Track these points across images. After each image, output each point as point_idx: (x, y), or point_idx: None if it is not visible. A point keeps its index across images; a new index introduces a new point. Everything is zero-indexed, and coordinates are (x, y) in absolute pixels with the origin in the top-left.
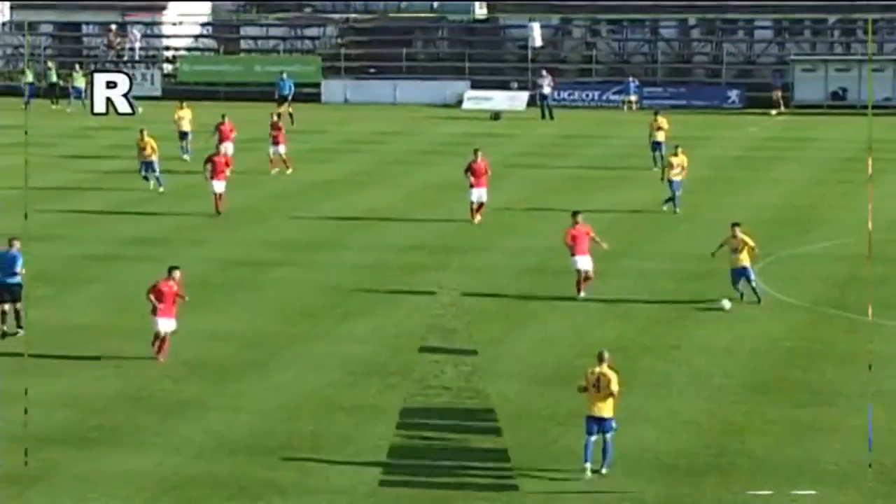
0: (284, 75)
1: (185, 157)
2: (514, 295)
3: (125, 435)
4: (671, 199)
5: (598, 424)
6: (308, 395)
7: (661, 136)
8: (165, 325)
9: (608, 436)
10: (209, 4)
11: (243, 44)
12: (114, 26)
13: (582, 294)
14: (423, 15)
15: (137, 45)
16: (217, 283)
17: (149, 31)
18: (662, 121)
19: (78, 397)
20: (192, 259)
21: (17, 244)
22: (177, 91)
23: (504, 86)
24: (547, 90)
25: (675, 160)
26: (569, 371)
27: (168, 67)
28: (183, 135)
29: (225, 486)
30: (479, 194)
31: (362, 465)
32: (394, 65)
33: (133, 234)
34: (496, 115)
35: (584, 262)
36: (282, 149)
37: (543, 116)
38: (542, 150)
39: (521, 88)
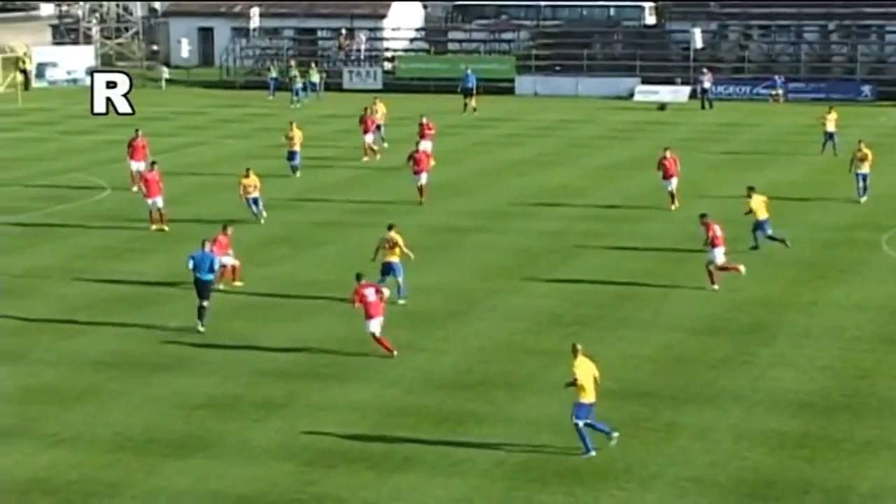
0: (469, 71)
1: (385, 145)
2: (675, 258)
3: (350, 371)
4: (862, 189)
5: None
6: (501, 341)
7: (831, 127)
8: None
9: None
10: (423, 13)
11: (450, 45)
12: (344, 31)
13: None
14: (601, 21)
15: (363, 46)
16: (426, 246)
17: (372, 35)
18: (833, 115)
19: (312, 339)
20: (406, 225)
21: (209, 245)
22: (395, 85)
23: (669, 81)
24: (707, 85)
25: (861, 153)
26: (721, 324)
27: (388, 65)
28: (378, 127)
29: (432, 416)
30: (671, 184)
31: (547, 399)
32: (576, 63)
33: (355, 206)
34: (662, 106)
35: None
36: (369, 137)
37: (703, 107)
38: (701, 136)
39: (683, 83)
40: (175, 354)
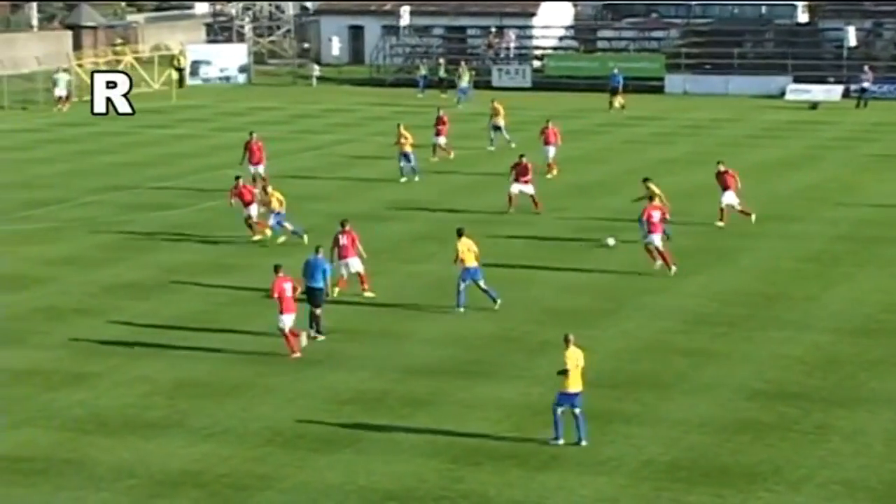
0: (615, 70)
1: (490, 148)
2: (827, 258)
3: (497, 369)
4: None
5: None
6: (649, 340)
7: None
8: None
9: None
10: (572, 11)
11: (599, 44)
12: (493, 29)
13: None
14: (752, 19)
15: (512, 45)
16: (574, 245)
17: (521, 34)
18: None
19: (459, 337)
20: (553, 223)
21: (321, 252)
22: (544, 84)
23: (821, 80)
24: (867, 84)
25: None
26: (874, 325)
27: (537, 63)
28: (496, 128)
29: None
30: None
31: (695, 399)
32: (726, 62)
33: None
34: (814, 105)
35: None
36: (442, 140)
37: (857, 106)
38: (855, 136)
39: (836, 82)
40: (324, 350)
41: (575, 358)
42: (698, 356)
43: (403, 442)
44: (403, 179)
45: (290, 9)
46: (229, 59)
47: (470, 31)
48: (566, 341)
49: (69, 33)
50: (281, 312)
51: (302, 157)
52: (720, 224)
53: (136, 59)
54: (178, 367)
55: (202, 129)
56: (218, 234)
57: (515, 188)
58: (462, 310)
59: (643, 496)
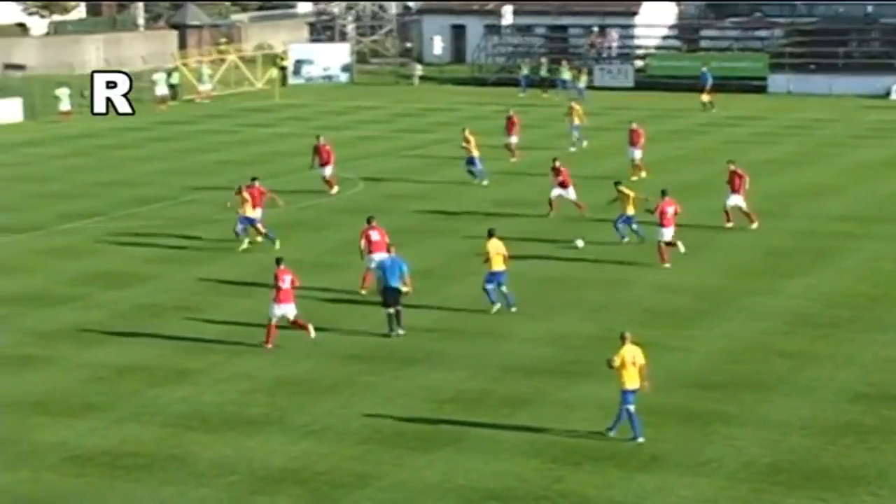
0: (705, 69)
1: (572, 149)
2: None
3: (598, 368)
4: None
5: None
6: (750, 341)
7: None
8: None
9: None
10: (675, 10)
11: (702, 43)
12: (595, 28)
13: None
14: (857, 18)
15: (615, 44)
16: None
17: (624, 33)
18: None
19: (558, 336)
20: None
21: (393, 250)
22: (646, 83)
23: None
24: None
25: None
26: None
27: (639, 63)
28: (575, 128)
29: (678, 415)
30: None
31: (796, 401)
32: (831, 61)
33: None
34: None
35: None
36: (513, 140)
37: None
38: None
39: None
40: (424, 348)
41: (630, 356)
42: (800, 358)
43: (503, 441)
44: (481, 181)
45: (393, 8)
46: (332, 58)
47: (572, 31)
48: (622, 339)
49: (174, 33)
50: (276, 302)
51: (402, 156)
52: (729, 225)
53: (240, 58)
54: (278, 365)
55: (304, 128)
56: (319, 232)
57: (555, 192)
58: (496, 308)
59: (742, 498)
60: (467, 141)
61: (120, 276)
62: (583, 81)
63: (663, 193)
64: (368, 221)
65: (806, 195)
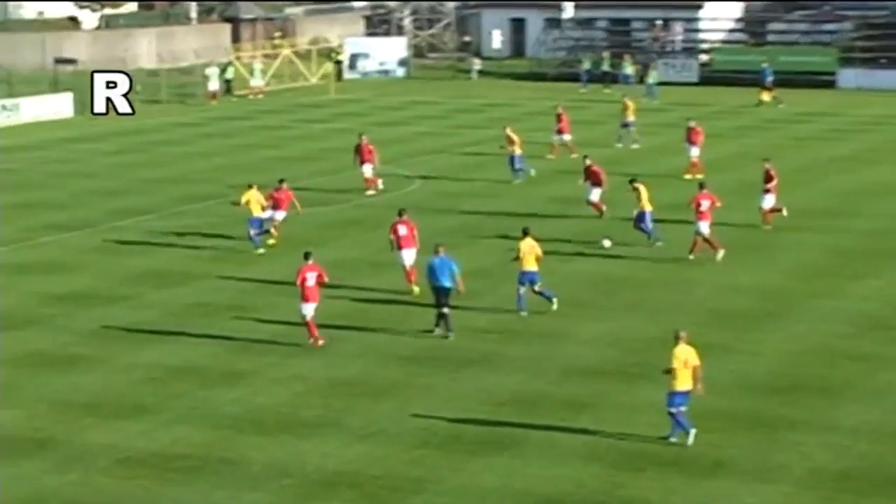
0: (765, 64)
1: (619, 145)
2: None
3: (659, 372)
4: None
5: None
6: (818, 344)
7: None
8: None
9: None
10: (741, 4)
11: (769, 37)
12: (659, 22)
13: None
14: None
15: (679, 38)
16: (742, 244)
17: (688, 27)
18: None
19: (619, 338)
20: (723, 221)
21: (442, 250)
22: (711, 78)
23: None
24: None
25: None
26: None
27: (704, 57)
28: (625, 125)
29: (744, 420)
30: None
31: (866, 407)
32: None
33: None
34: None
35: None
36: (566, 137)
37: None
38: None
39: None
40: (481, 350)
41: (683, 356)
42: (870, 361)
43: (563, 445)
44: (516, 180)
45: (451, 1)
46: (388, 52)
47: (635, 24)
48: (676, 338)
49: (227, 26)
50: (302, 300)
51: (459, 152)
52: (767, 227)
53: (294, 52)
54: (332, 366)
55: (360, 123)
56: (374, 231)
57: (594, 195)
58: (525, 314)
59: None
60: (511, 141)
61: (171, 274)
62: (653, 77)
63: (701, 186)
64: (399, 214)
65: (875, 194)
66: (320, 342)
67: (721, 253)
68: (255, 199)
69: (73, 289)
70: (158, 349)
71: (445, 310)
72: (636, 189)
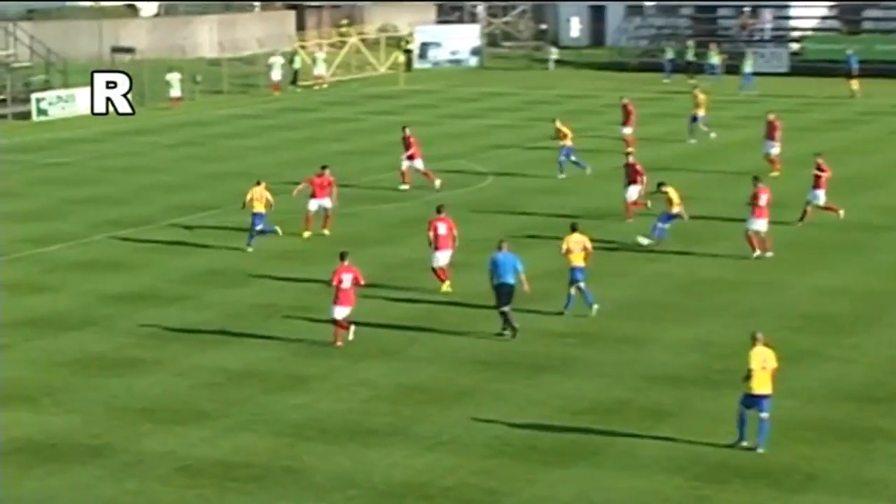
0: (850, 51)
1: (691, 140)
2: None
3: None
4: None
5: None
6: None
7: None
8: None
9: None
10: None
11: (865, 24)
12: (747, 9)
13: None
14: None
15: (768, 25)
16: (833, 244)
17: (778, 14)
18: None
19: (705, 343)
20: (814, 220)
21: (506, 245)
22: (802, 68)
23: None
24: None
25: None
26: None
27: (794, 46)
28: (694, 118)
29: (837, 430)
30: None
31: None
32: None
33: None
34: None
35: None
36: (627, 130)
37: None
38: None
39: None
40: (559, 354)
41: (761, 358)
42: None
43: (644, 456)
44: (562, 176)
45: None
46: (460, 40)
47: (721, 11)
48: (753, 340)
49: (292, 14)
50: (335, 303)
51: (535, 146)
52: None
53: (362, 40)
54: (401, 371)
55: (430, 115)
56: None
57: (633, 193)
58: (568, 312)
59: None
60: (562, 135)
61: (233, 273)
62: (749, 66)
63: (756, 180)
64: (438, 211)
65: None
66: (338, 343)
67: (769, 254)
68: (258, 196)
69: (131, 288)
70: (219, 352)
71: (506, 308)
72: (665, 192)
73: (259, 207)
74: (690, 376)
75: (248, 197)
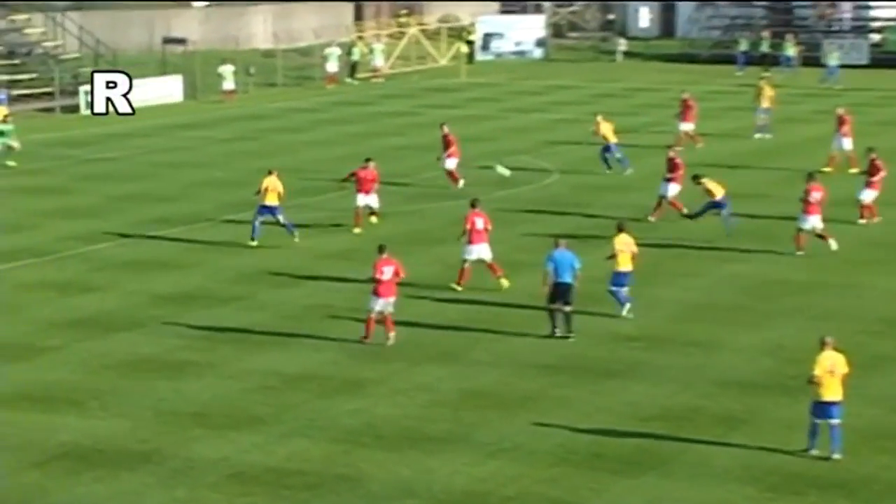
0: None
1: (758, 136)
2: None
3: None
4: None
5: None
6: None
7: None
8: None
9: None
10: None
11: None
12: None
13: None
14: None
15: (847, 15)
16: None
17: (858, 3)
18: None
19: (779, 347)
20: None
21: (563, 243)
22: (883, 60)
23: None
24: None
25: None
26: None
27: (875, 37)
28: (764, 111)
29: None
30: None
31: None
32: None
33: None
34: None
35: None
36: (688, 126)
37: None
38: None
39: None
40: (626, 359)
41: (828, 363)
42: None
43: (715, 465)
44: (624, 170)
45: None
46: (524, 31)
47: (798, 1)
48: (822, 344)
49: (349, 4)
50: (374, 294)
51: (602, 142)
52: (862, 221)
53: (422, 31)
54: (462, 375)
55: (493, 109)
56: (509, 227)
57: (672, 191)
58: (626, 310)
59: None
60: (604, 131)
61: (286, 273)
62: (834, 58)
63: (809, 177)
64: (472, 205)
65: None
66: (367, 340)
67: (832, 244)
68: (273, 187)
69: (182, 288)
70: (272, 355)
71: (567, 308)
72: (700, 183)
73: (272, 199)
74: (763, 382)
75: (263, 186)
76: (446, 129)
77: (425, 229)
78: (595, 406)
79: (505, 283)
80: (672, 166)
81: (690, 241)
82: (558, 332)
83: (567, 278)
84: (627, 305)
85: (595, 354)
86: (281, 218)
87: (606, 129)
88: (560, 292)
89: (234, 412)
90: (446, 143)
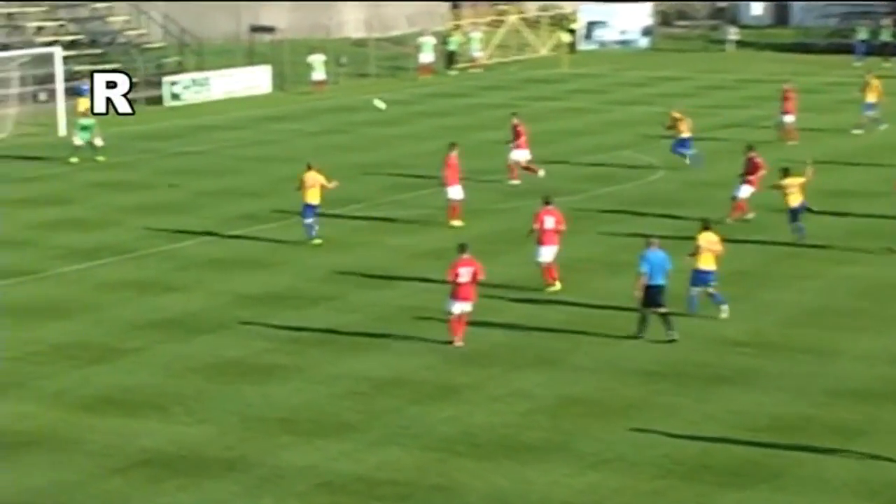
0: None
1: (856, 131)
2: None
3: None
4: None
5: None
6: None
7: None
8: None
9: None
10: None
11: None
12: None
13: None
14: None
15: None
16: None
17: None
18: None
19: None
20: None
21: (655, 243)
22: None
23: None
24: None
25: None
26: None
27: None
28: (869, 106)
29: None
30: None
31: None
32: None
33: None
34: None
35: None
36: (789, 118)
37: None
38: None
39: None
40: (736, 365)
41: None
42: None
43: (831, 478)
44: (697, 166)
45: None
46: (630, 20)
47: None
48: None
49: None
50: (452, 298)
51: (710, 137)
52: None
53: (522, 20)
54: (561, 382)
55: (597, 101)
56: (612, 225)
57: (745, 192)
58: (723, 314)
59: None
60: (677, 123)
61: (378, 273)
62: (879, 38)
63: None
64: (546, 203)
65: None
66: (458, 343)
67: None
68: (312, 183)
69: (269, 288)
70: (363, 358)
71: (662, 310)
72: (777, 186)
73: (314, 197)
74: (882, 390)
75: (306, 183)
76: (516, 120)
77: (521, 228)
78: (701, 414)
79: (555, 286)
80: (752, 167)
81: (806, 241)
82: (642, 336)
83: (659, 280)
84: (725, 306)
85: (700, 360)
86: (312, 220)
87: (684, 125)
88: (651, 295)
89: (323, 418)
90: (516, 135)
